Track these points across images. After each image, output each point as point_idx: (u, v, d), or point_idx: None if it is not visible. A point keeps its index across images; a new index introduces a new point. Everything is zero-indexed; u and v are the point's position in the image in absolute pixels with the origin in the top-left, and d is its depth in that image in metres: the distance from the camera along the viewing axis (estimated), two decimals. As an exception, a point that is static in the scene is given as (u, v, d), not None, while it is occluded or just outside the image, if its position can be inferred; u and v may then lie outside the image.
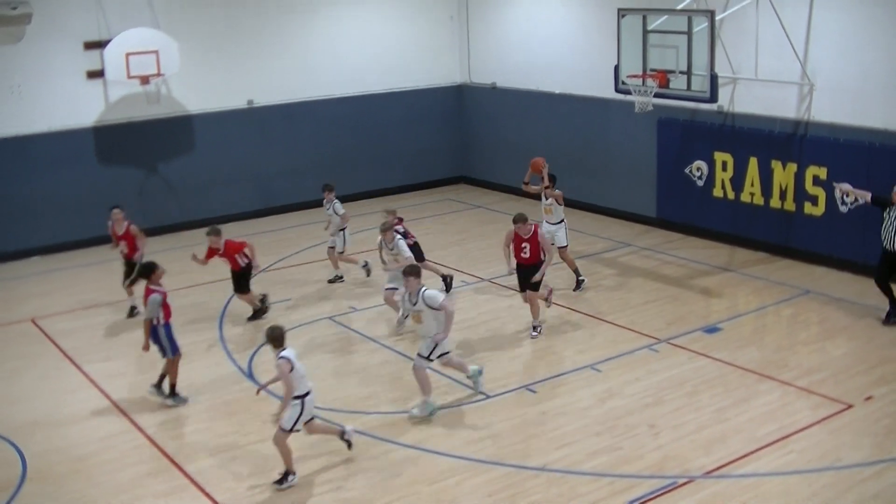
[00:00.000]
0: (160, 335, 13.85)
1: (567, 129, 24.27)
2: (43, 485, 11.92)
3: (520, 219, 15.64)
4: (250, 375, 15.00)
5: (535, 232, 15.74)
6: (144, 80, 22.01)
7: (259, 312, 17.43)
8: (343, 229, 19.01)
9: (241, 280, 17.23)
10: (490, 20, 26.39)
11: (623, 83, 19.18)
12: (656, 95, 18.61)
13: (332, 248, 19.18)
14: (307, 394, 11.71)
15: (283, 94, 25.00)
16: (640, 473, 11.57)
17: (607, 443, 12.36)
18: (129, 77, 21.81)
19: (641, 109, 18.89)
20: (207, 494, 11.56)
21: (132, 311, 17.69)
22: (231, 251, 16.99)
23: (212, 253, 17.00)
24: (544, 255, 15.80)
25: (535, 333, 16.13)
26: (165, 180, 23.85)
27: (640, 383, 14.12)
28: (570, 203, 23.15)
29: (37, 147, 22.14)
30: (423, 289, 13.16)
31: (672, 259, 19.88)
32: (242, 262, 17.08)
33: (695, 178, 20.52)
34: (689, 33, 17.63)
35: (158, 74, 22.12)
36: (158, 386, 14.22)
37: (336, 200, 19.01)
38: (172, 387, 14.11)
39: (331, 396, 13.94)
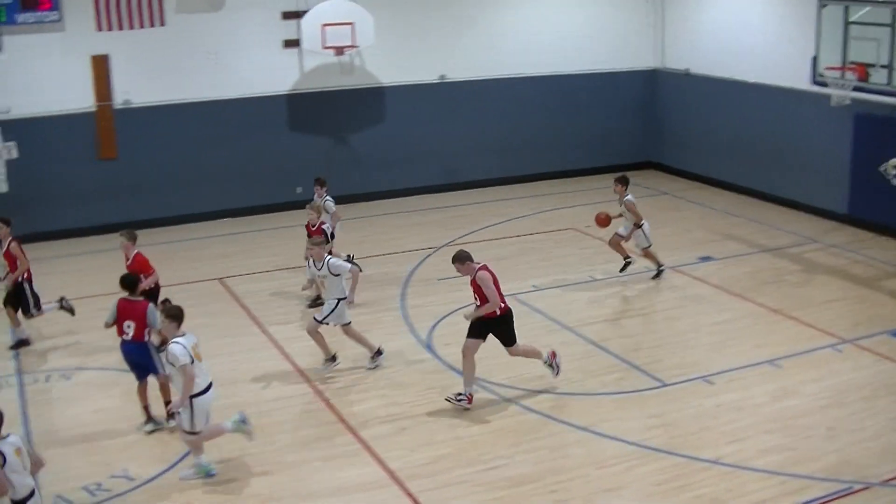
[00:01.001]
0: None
1: (759, 118, 23.72)
2: (218, 439, 12.40)
3: (455, 259, 13.14)
4: (429, 347, 15.34)
5: (476, 275, 12.95)
6: (339, 50, 22.60)
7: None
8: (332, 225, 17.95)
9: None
10: (687, 4, 25.99)
11: (820, 75, 18.73)
12: (855, 89, 18.09)
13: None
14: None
15: (473, 70, 25.22)
16: (814, 475, 11.38)
17: (781, 441, 12.14)
18: (325, 47, 22.43)
19: (838, 103, 18.40)
20: (380, 460, 11.92)
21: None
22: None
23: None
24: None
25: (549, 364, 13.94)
26: (353, 150, 24.48)
27: (819, 383, 13.80)
28: (754, 193, 22.72)
29: (232, 113, 23.10)
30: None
31: (862, 258, 19.28)
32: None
33: (890, 177, 19.83)
34: (893, 26, 17.07)
35: (353, 46, 22.64)
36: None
37: (328, 197, 18.20)
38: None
39: (504, 374, 14.13)
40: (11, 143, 20.59)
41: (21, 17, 21.07)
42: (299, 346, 15.33)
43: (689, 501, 10.93)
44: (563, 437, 12.43)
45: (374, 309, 16.92)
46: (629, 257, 18.16)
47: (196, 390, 11.26)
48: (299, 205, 21.64)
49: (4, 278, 15.48)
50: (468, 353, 13.04)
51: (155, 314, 12.46)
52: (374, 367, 14.49)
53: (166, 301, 12.17)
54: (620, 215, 17.95)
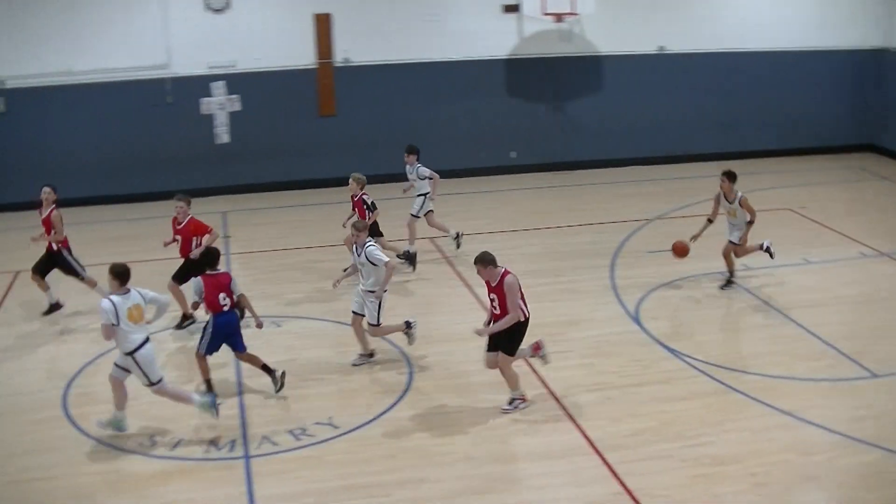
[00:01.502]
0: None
1: None
2: (420, 395, 12.49)
3: (479, 260, 11.85)
4: (636, 319, 14.96)
5: (502, 280, 11.71)
6: (559, 17, 22.30)
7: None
8: (425, 194, 17.68)
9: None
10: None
11: None
12: None
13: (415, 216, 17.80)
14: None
15: (691, 42, 24.44)
16: None
17: None
18: (545, 14, 22.16)
19: None
20: (581, 429, 11.65)
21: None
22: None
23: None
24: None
25: (508, 408, 12.19)
26: (569, 118, 24.17)
27: None
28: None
29: (449, 75, 23.19)
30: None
31: None
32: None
33: None
34: None
35: (573, 13, 22.28)
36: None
37: (419, 164, 17.73)
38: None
39: (715, 351, 13.70)
40: (235, 96, 21.26)
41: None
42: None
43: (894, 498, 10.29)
44: (768, 420, 11.85)
45: (583, 277, 16.63)
46: (732, 279, 16.28)
47: (131, 347, 11.12)
48: (515, 170, 21.63)
49: (38, 238, 15.29)
50: (494, 366, 12.15)
51: (237, 282, 12.63)
52: (359, 365, 13.51)
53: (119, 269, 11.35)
54: (733, 213, 15.89)
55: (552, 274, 16.97)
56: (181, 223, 14.64)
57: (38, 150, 21.52)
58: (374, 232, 16.04)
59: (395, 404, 12.28)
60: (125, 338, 11.11)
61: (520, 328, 11.86)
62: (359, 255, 12.99)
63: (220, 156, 22.21)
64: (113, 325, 10.97)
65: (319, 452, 11.21)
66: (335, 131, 22.80)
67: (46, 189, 15.14)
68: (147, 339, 11.32)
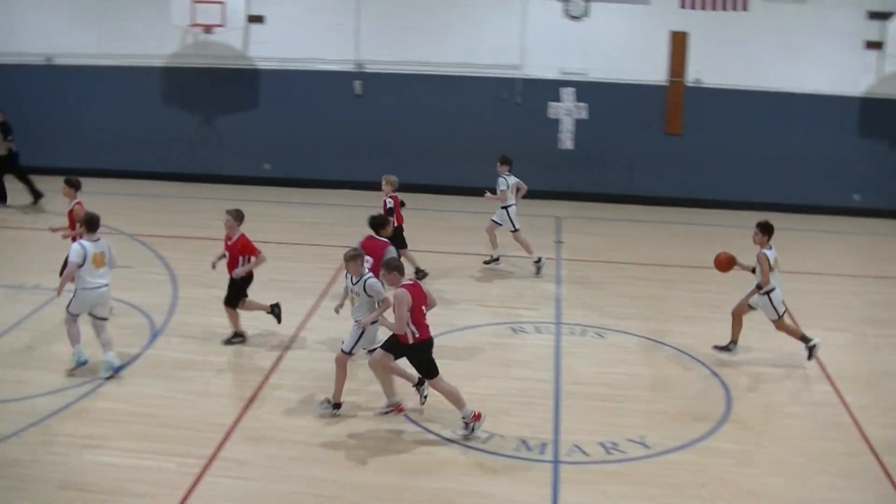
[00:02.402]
0: None
1: None
2: (739, 427, 12.12)
3: (384, 264, 11.96)
4: None
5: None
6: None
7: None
8: (507, 207, 17.42)
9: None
10: None
11: None
12: None
13: (496, 222, 17.68)
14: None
15: None
16: None
17: None
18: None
19: None
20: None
21: None
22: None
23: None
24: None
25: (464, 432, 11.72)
26: None
27: None
28: None
29: (796, 107, 22.42)
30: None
31: None
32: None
33: None
34: None
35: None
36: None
37: (504, 176, 17.41)
38: None
39: None
40: (583, 105, 21.50)
41: (612, -14, 21.84)
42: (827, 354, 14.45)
43: None
44: None
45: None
46: (730, 346, 14.37)
47: (81, 286, 12.61)
48: (856, 212, 20.74)
49: (58, 230, 15.09)
50: (373, 366, 11.91)
51: (393, 253, 13.18)
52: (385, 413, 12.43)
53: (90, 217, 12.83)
54: (754, 269, 13.96)
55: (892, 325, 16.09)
56: (231, 239, 13.96)
57: (390, 130, 22.60)
58: (400, 243, 16.01)
59: (711, 433, 11.97)
60: (83, 279, 12.57)
61: (415, 351, 11.59)
62: (354, 284, 12.01)
63: (560, 161, 22.56)
64: (79, 265, 12.48)
65: (628, 469, 11.09)
66: (679, 150, 22.59)
67: (64, 185, 15.12)
68: (106, 285, 12.78)
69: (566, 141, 22.04)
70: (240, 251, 13.89)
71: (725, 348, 14.24)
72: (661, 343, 14.52)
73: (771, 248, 13.68)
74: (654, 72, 22.30)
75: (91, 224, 12.73)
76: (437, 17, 22.42)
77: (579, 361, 13.46)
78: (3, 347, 13.90)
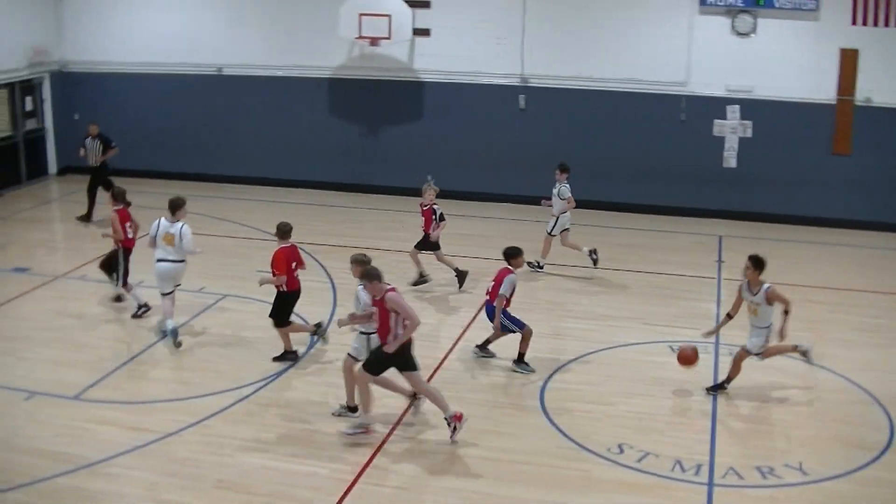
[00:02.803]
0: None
1: None
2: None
3: (362, 271, 11.96)
4: None
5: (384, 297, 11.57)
6: None
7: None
8: (563, 213, 18.23)
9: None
10: None
11: None
12: None
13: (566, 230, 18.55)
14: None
15: None
16: None
17: None
18: None
19: None
20: None
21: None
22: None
23: None
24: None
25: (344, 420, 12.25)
26: None
27: None
28: None
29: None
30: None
31: None
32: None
33: None
34: None
35: None
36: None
37: (566, 184, 18.17)
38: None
39: None
40: (748, 122, 21.25)
41: (779, 2, 21.45)
42: None
43: None
44: None
45: None
46: (725, 385, 13.49)
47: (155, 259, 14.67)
48: None
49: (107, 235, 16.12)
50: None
51: (511, 283, 13.75)
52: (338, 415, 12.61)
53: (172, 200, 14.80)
54: (754, 311, 13.09)
55: None
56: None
57: (553, 145, 22.65)
58: (433, 245, 17.15)
59: (872, 462, 11.72)
60: (155, 252, 14.59)
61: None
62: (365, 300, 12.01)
63: (724, 179, 22.31)
64: (153, 237, 14.57)
65: (784, 495, 10.99)
66: (847, 171, 21.99)
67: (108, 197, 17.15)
68: (165, 260, 14.57)
69: (730, 159, 21.81)
70: (272, 265, 13.87)
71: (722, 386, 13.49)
72: (822, 367, 14.26)
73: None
74: (823, 90, 21.78)
75: (172, 207, 14.69)
76: (603, 32, 22.40)
77: (736, 382, 13.34)
78: (164, 350, 14.61)
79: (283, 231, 14.08)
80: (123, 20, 25.03)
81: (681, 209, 22.59)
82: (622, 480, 11.25)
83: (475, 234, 20.95)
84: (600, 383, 13.66)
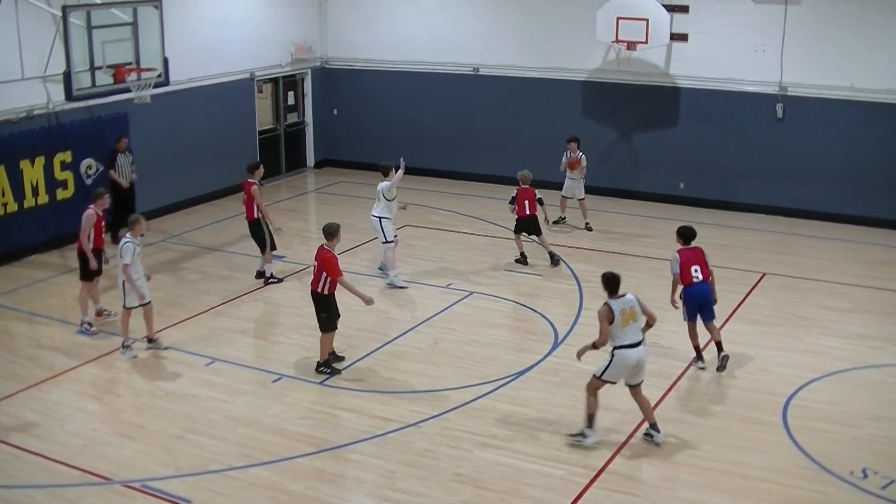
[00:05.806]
0: None
1: None
2: None
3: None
4: None
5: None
6: None
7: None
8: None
9: None
10: None
11: None
12: None
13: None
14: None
15: None
16: None
17: None
18: None
19: None
20: None
21: None
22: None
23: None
24: None
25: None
26: None
27: None
28: None
29: None
30: None
31: None
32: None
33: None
34: None
35: None
36: None
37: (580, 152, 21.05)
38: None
39: None
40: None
41: None
42: None
43: None
44: None
45: None
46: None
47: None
48: None
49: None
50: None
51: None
52: None
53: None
54: None
55: None
56: None
57: (812, 157, 21.94)
58: (536, 230, 18.58)
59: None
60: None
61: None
62: None
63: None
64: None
65: None
66: None
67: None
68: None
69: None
70: (319, 268, 13.83)
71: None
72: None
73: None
74: None
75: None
76: (869, 41, 21.21)
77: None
78: (414, 342, 14.85)
79: (330, 232, 13.99)
80: (385, 19, 25.96)
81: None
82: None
83: (735, 244, 20.30)
84: (846, 403, 13.03)
